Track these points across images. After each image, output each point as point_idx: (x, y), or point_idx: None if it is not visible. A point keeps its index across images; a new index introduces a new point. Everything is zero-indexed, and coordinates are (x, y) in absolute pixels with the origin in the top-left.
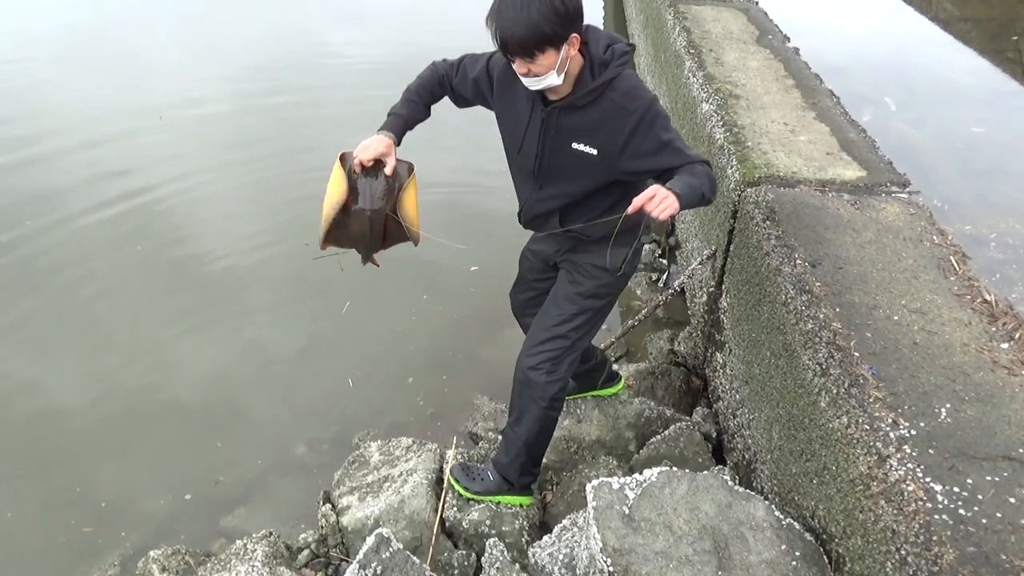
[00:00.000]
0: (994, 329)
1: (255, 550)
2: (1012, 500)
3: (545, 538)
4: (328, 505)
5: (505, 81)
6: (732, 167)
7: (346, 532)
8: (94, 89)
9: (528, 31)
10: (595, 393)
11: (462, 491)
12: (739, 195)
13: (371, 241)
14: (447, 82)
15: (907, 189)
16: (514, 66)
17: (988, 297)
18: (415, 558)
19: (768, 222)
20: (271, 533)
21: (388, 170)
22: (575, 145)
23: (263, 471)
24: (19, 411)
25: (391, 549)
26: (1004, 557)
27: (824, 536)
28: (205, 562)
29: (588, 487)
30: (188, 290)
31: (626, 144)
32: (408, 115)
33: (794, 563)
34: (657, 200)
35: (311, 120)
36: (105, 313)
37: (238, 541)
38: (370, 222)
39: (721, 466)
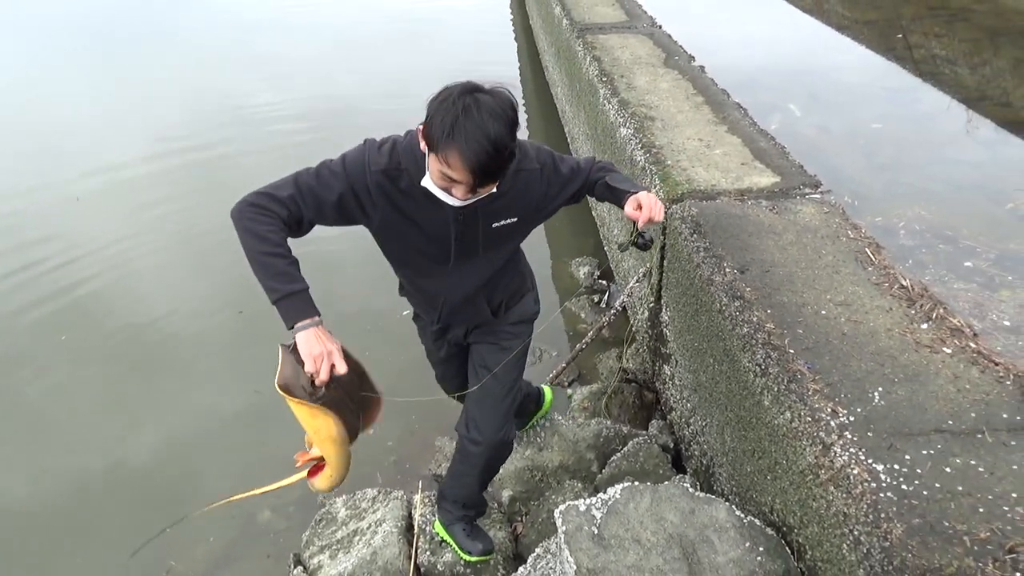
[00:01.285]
0: (913, 312)
1: None
2: (948, 470)
3: (520, 569)
4: (299, 567)
5: (390, 191)
6: (655, 186)
7: None
8: (6, 164)
9: (501, 161)
10: (531, 424)
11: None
12: (666, 212)
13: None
14: (292, 223)
15: (819, 189)
16: (458, 195)
17: (904, 282)
18: None
19: (695, 235)
20: None
21: (341, 368)
22: (496, 224)
23: (230, 543)
24: None
25: None
26: (947, 524)
27: (784, 528)
28: None
29: (556, 512)
30: (126, 365)
31: (543, 197)
32: (301, 277)
33: (759, 558)
34: (654, 206)
35: (233, 176)
36: (42, 401)
37: None
38: (351, 411)
39: (682, 475)
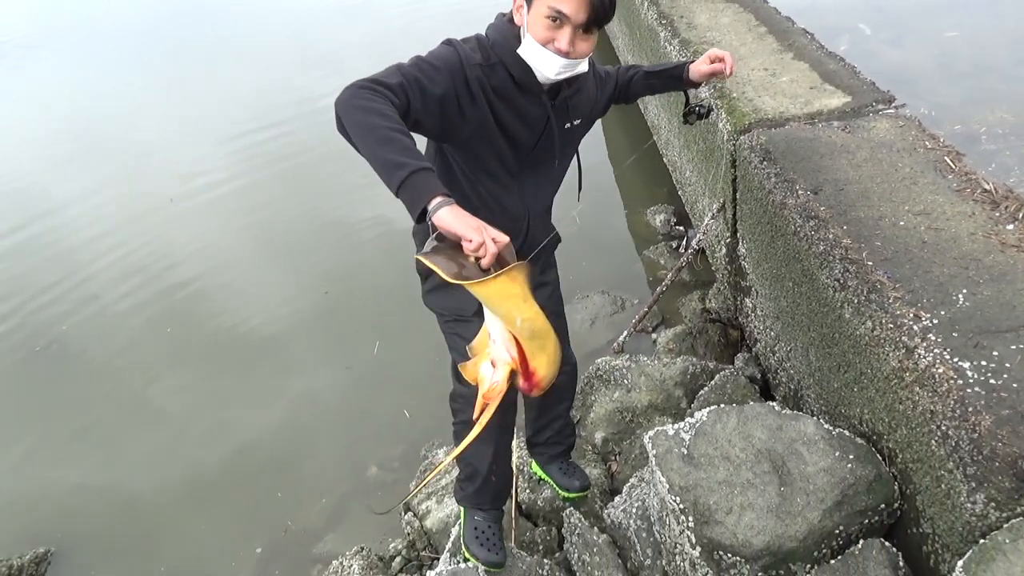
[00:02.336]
0: (998, 214)
1: (351, 566)
2: None
3: (617, 499)
4: (410, 513)
5: (487, 87)
6: (722, 120)
7: (431, 533)
8: (97, 182)
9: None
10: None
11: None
12: (734, 144)
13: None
14: (403, 112)
15: (893, 104)
16: (561, 45)
17: (987, 186)
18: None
19: (765, 162)
20: (363, 548)
21: (502, 237)
22: (568, 126)
23: (342, 498)
24: (97, 506)
25: None
26: None
27: (874, 437)
28: None
29: (645, 437)
30: (226, 358)
31: (595, 100)
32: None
33: (849, 465)
34: (725, 54)
35: (315, 171)
36: (151, 394)
37: (334, 562)
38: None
39: (771, 402)
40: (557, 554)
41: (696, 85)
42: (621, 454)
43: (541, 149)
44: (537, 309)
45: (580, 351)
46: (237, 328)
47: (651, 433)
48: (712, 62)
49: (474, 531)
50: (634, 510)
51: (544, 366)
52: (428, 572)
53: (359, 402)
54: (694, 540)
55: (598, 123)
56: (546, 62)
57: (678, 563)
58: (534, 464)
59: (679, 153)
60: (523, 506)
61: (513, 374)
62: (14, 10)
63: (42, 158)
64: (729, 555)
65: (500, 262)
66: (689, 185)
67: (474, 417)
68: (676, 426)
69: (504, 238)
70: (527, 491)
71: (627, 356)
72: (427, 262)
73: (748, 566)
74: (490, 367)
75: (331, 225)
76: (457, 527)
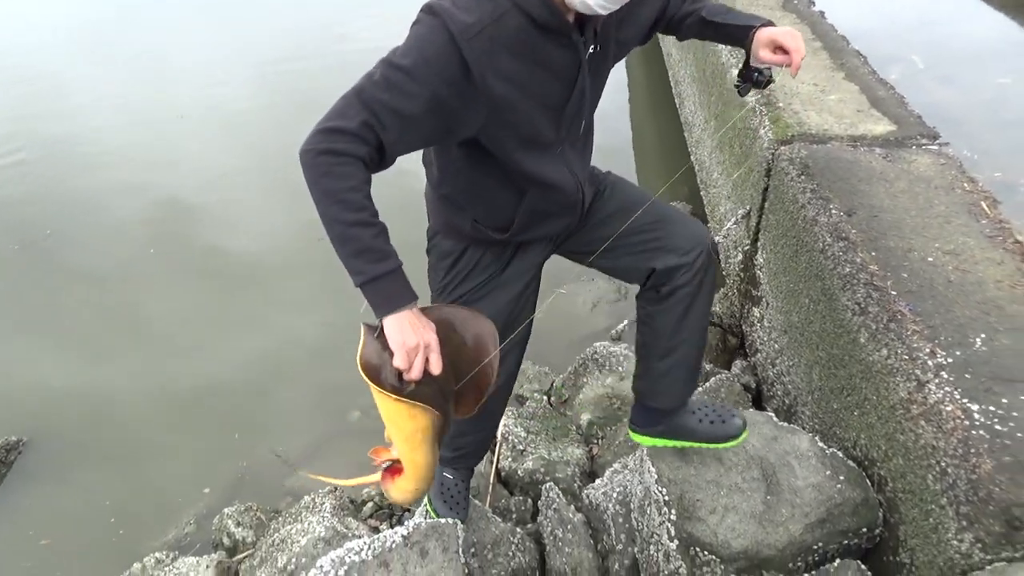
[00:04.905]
0: None
1: (323, 503)
2: None
3: (598, 480)
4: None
5: (498, 50)
6: (764, 127)
7: None
8: (118, 89)
9: None
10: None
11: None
12: (773, 153)
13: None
14: (373, 157)
15: (937, 141)
16: None
17: (1020, 238)
18: (477, 501)
19: (803, 176)
20: (336, 488)
21: (436, 367)
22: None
23: (321, 438)
24: (74, 407)
25: None
26: None
27: (866, 462)
28: (275, 517)
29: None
30: (217, 281)
31: (642, 20)
32: (391, 250)
33: (839, 486)
34: (798, 45)
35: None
36: (143, 308)
37: (306, 497)
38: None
39: (769, 413)
40: (529, 525)
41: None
42: (604, 439)
43: (578, 101)
44: (423, 456)
45: (578, 333)
46: (232, 252)
47: None
48: (777, 48)
49: (441, 486)
50: (614, 494)
51: (401, 488)
52: (408, 520)
53: (346, 349)
54: (673, 533)
55: (624, 109)
56: None
57: (651, 552)
58: (649, 438)
59: (709, 153)
60: (502, 473)
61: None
62: None
63: (68, 54)
64: (706, 553)
65: (434, 385)
66: (714, 187)
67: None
68: None
69: (437, 369)
70: (509, 459)
71: (625, 344)
72: (362, 335)
73: (723, 566)
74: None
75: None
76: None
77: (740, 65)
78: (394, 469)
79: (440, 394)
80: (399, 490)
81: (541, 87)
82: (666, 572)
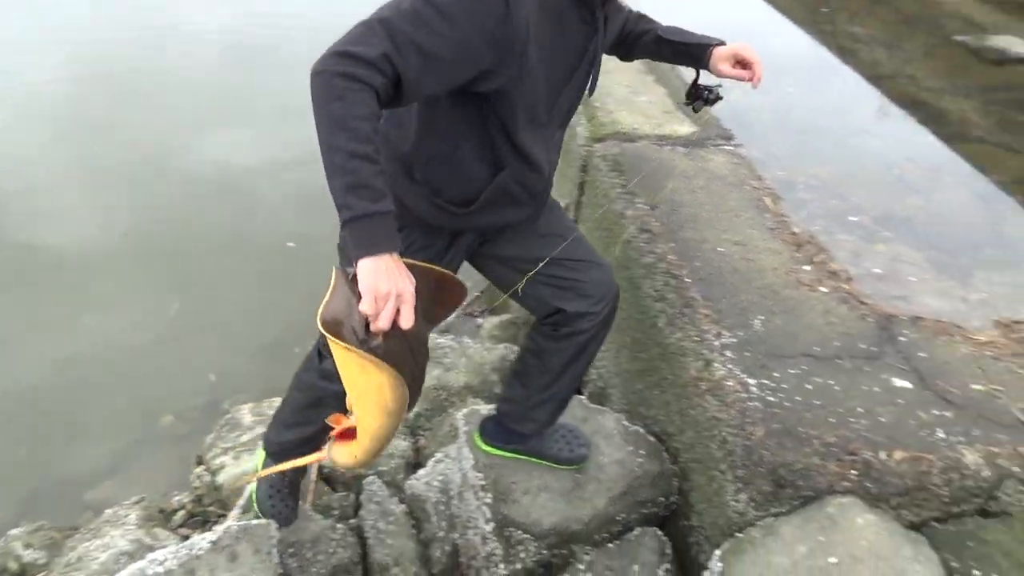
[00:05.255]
0: (799, 255)
1: (128, 515)
2: (808, 387)
3: (420, 471)
4: (202, 467)
5: (537, 6)
6: (581, 124)
7: (223, 489)
8: None
9: None
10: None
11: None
12: (588, 150)
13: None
14: (389, 90)
15: (731, 142)
16: None
17: (795, 230)
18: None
19: (614, 172)
20: (143, 498)
21: (407, 321)
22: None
23: (127, 445)
24: None
25: None
26: (802, 430)
27: (664, 436)
28: (73, 534)
29: (458, 415)
30: (13, 277)
31: (616, 30)
32: (386, 191)
33: (639, 460)
34: (757, 60)
35: (156, 98)
36: None
37: (107, 510)
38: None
39: (580, 396)
40: (352, 520)
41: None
42: (431, 430)
43: (578, 81)
44: (376, 402)
45: None
46: (29, 246)
47: (464, 411)
48: (737, 63)
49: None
50: (436, 483)
51: (350, 452)
52: (215, 527)
53: (165, 345)
54: (489, 516)
55: None
56: None
57: (470, 536)
58: (511, 452)
59: None
60: (323, 470)
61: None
62: None
63: None
64: (519, 532)
65: (404, 344)
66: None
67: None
68: (489, 407)
69: (409, 323)
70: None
71: (451, 336)
72: (333, 280)
73: (535, 544)
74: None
75: (158, 158)
76: (254, 480)
77: (691, 84)
78: (345, 433)
79: (410, 356)
80: (343, 452)
81: (555, 57)
82: (483, 554)
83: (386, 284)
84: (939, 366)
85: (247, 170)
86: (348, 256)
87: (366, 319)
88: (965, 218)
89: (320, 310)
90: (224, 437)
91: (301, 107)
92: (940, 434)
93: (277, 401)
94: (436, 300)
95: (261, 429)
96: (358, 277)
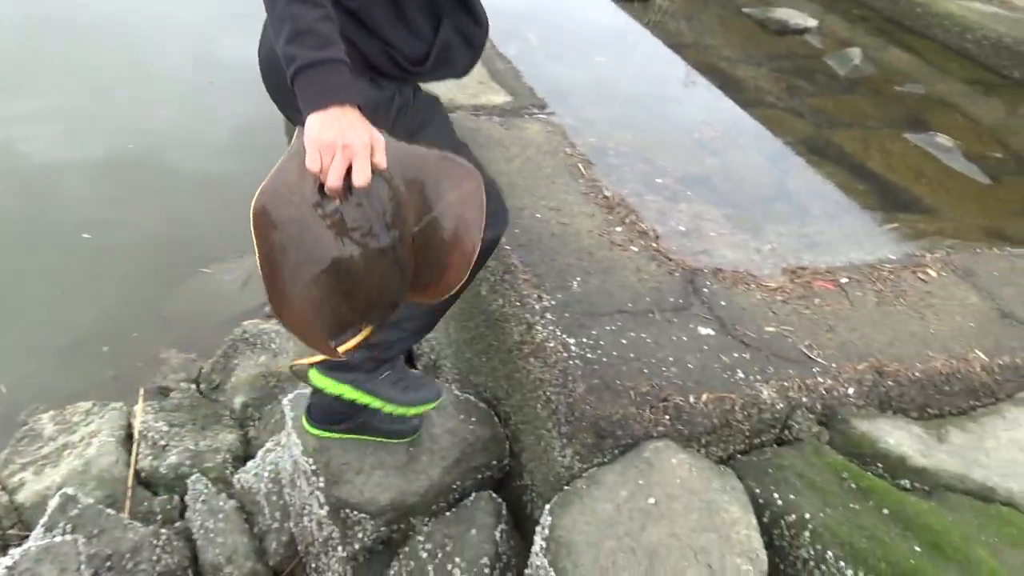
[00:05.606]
0: (611, 217)
1: None
2: (623, 341)
3: (249, 463)
4: None
5: None
6: None
7: (23, 509)
8: None
9: None
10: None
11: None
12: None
13: (399, 290)
14: None
15: (545, 111)
16: None
17: (607, 193)
18: (110, 510)
19: None
20: None
21: (379, 159)
22: None
23: None
24: None
25: (80, 506)
26: (619, 382)
27: (494, 401)
28: None
29: (284, 401)
30: None
31: None
32: (338, 40)
33: (471, 427)
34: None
35: None
36: None
37: None
38: (394, 263)
39: (413, 370)
40: (177, 523)
41: None
42: (261, 419)
43: None
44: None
45: (227, 313)
46: None
47: (291, 396)
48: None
49: (394, 385)
50: (266, 474)
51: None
52: (12, 550)
53: None
54: (323, 500)
55: None
56: None
57: (305, 523)
58: (349, 389)
59: None
60: (141, 474)
61: None
62: None
63: None
64: (355, 513)
65: (371, 212)
66: None
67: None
68: None
69: (363, 178)
70: (149, 458)
71: (276, 320)
72: (294, 138)
73: (372, 522)
74: None
75: None
76: (297, 425)
77: None
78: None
79: (378, 255)
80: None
81: None
82: (320, 540)
83: (331, 133)
84: (737, 312)
85: (33, 151)
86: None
87: (318, 179)
88: (757, 176)
89: (262, 190)
90: (22, 451)
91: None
92: (740, 374)
93: (83, 406)
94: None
95: (66, 438)
96: (306, 135)
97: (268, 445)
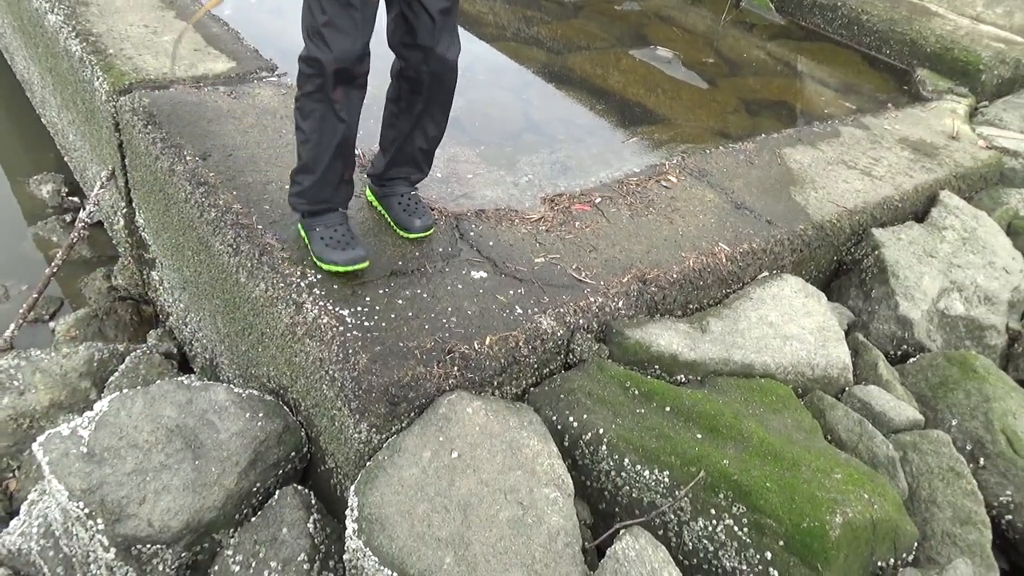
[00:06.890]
0: (365, 176)
1: None
2: (400, 302)
3: (13, 522)
4: None
5: None
6: (99, 78)
7: None
8: None
9: None
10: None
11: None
12: (115, 106)
13: None
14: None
15: (276, 72)
16: None
17: (358, 151)
18: None
19: (150, 127)
20: None
21: None
22: None
23: None
24: None
25: None
26: (402, 344)
27: (281, 391)
28: None
29: (34, 446)
30: None
31: None
32: None
33: (260, 423)
34: None
35: None
36: None
37: None
38: None
39: (190, 375)
40: None
41: None
42: (21, 468)
43: None
44: None
45: None
46: None
47: (41, 439)
48: None
49: (321, 240)
50: (35, 530)
51: None
52: None
53: None
54: (107, 543)
55: None
56: None
57: (95, 572)
58: (369, 194)
59: (58, 114)
60: None
61: None
62: None
63: None
64: (148, 546)
65: None
66: (75, 150)
67: None
68: (72, 424)
69: None
70: None
71: (13, 354)
72: None
73: (171, 551)
74: None
75: None
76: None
77: None
78: None
79: None
80: None
81: None
82: None
83: None
84: (506, 250)
85: None
86: None
87: None
88: (503, 111)
89: None
90: None
91: None
92: (518, 310)
93: None
94: None
95: None
96: None
97: (32, 496)
